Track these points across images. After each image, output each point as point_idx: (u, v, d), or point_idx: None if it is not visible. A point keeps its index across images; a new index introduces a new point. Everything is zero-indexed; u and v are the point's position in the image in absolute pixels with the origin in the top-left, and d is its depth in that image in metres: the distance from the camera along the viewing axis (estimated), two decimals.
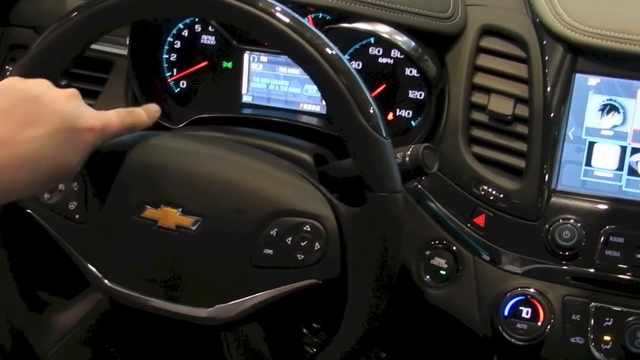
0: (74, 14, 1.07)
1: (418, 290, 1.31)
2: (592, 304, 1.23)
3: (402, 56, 1.37)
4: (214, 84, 1.48)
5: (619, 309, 1.23)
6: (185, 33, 1.48)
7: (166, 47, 1.49)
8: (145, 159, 1.11)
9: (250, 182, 1.07)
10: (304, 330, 1.42)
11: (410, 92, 1.39)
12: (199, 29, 1.47)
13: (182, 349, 1.58)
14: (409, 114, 1.40)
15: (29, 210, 1.14)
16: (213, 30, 1.46)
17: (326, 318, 1.36)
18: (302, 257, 1.03)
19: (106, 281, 1.12)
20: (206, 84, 1.49)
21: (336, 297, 1.05)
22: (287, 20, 1.00)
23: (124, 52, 1.43)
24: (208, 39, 1.47)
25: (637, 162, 1.24)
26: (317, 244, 1.03)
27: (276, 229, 1.04)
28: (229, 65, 1.47)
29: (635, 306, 1.22)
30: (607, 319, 1.22)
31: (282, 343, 1.21)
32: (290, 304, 1.08)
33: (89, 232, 1.12)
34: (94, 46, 1.13)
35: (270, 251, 1.04)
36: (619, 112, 1.24)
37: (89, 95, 1.46)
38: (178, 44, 1.48)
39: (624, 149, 1.25)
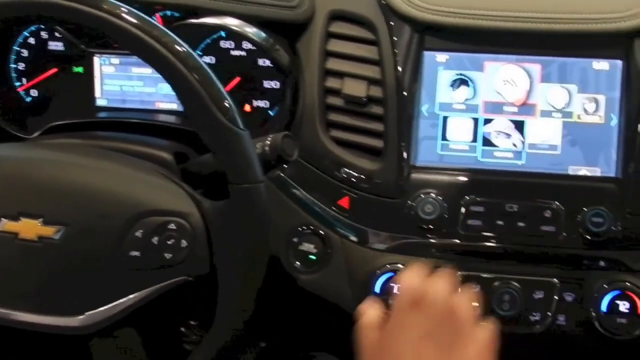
0: None
1: (290, 277, 1.31)
2: (459, 273, 1.26)
3: (254, 47, 1.37)
4: (66, 90, 1.46)
5: (485, 275, 1.26)
6: (32, 40, 1.44)
7: (13, 57, 1.45)
8: None
9: (110, 186, 1.06)
10: (182, 329, 1.41)
11: (265, 82, 1.40)
12: (46, 36, 1.44)
13: None
14: (266, 104, 1.41)
15: None
16: (60, 35, 1.43)
17: (202, 314, 1.36)
18: (170, 255, 1.03)
19: None
20: (58, 91, 1.46)
21: (209, 292, 1.05)
22: (133, 20, 0.99)
23: None
24: (56, 45, 1.44)
25: (489, 132, 1.28)
26: (183, 241, 1.02)
27: (141, 230, 1.03)
28: (80, 70, 1.44)
29: (500, 271, 1.26)
30: (474, 286, 1.25)
31: (160, 344, 1.20)
32: (164, 303, 1.08)
33: None
34: None
35: (137, 253, 1.03)
36: (468, 86, 1.28)
37: None
38: (25, 53, 1.45)
39: (476, 120, 1.29)
